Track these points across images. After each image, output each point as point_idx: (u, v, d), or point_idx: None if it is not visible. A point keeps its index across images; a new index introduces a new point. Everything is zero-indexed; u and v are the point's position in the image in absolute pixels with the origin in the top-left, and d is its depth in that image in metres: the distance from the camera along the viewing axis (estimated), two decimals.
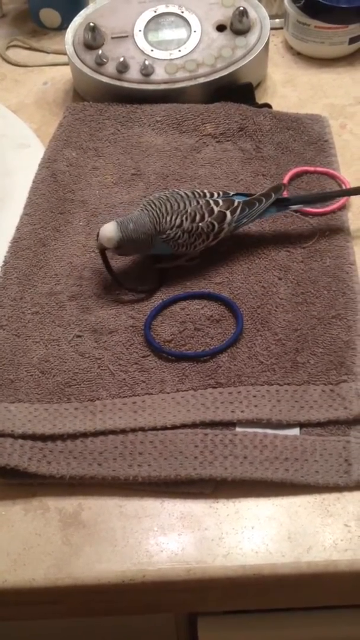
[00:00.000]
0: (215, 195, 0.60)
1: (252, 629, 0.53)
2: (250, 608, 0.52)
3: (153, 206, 0.58)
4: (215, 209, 0.59)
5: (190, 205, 0.58)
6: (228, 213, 0.59)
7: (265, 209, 0.61)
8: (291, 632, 0.53)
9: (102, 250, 0.58)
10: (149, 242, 0.58)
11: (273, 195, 0.62)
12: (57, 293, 0.60)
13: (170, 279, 0.60)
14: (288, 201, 0.63)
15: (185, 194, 0.59)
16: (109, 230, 0.56)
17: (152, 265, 0.61)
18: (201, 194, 0.60)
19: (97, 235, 0.57)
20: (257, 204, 0.61)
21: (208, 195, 0.60)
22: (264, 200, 0.61)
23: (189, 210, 0.58)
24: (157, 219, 0.57)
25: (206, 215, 0.58)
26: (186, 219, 0.58)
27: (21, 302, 0.59)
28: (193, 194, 0.60)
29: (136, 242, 0.57)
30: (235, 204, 0.60)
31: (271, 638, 0.53)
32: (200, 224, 0.58)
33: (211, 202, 0.59)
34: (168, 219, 0.57)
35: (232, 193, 0.62)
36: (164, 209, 0.58)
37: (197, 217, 0.58)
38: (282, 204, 0.63)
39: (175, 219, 0.57)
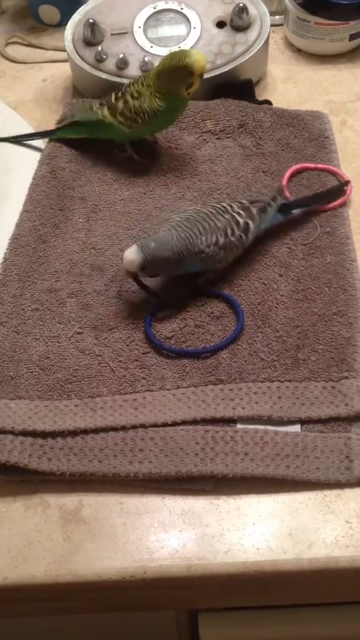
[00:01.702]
0: (235, 206, 0.60)
1: (253, 625, 0.52)
2: (251, 605, 0.52)
3: (183, 228, 0.57)
4: (241, 221, 0.59)
5: (220, 221, 0.58)
6: (250, 222, 0.59)
7: (273, 215, 0.61)
8: (292, 628, 0.53)
9: (133, 275, 0.57)
10: (178, 260, 0.56)
11: (278, 198, 0.62)
12: (57, 290, 0.60)
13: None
14: (290, 206, 0.63)
15: (210, 211, 0.58)
16: (130, 253, 0.55)
17: (191, 282, 0.59)
18: (222, 208, 0.59)
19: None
20: (268, 209, 0.61)
21: (229, 208, 0.59)
22: (272, 204, 0.61)
23: (220, 226, 0.57)
24: (191, 240, 0.56)
25: (235, 228, 0.58)
26: (220, 235, 0.57)
27: (21, 298, 0.59)
28: (217, 210, 0.59)
29: (162, 260, 0.55)
30: (254, 212, 0.60)
31: (272, 635, 0.53)
32: (232, 238, 0.58)
33: (235, 215, 0.59)
34: (203, 239, 0.56)
35: (246, 202, 0.61)
36: (195, 230, 0.57)
37: (229, 232, 0.58)
38: (285, 208, 0.63)
39: (211, 237, 0.57)
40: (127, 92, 0.67)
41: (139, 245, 0.55)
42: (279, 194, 0.63)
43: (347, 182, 0.66)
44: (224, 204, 0.60)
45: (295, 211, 0.63)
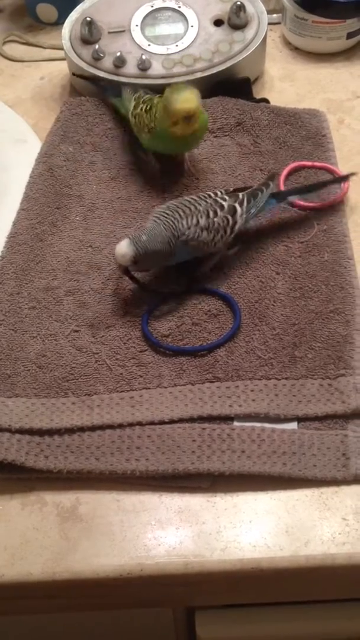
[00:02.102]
0: (219, 193, 0.60)
1: (250, 622, 0.52)
2: (248, 602, 0.52)
3: (166, 215, 0.57)
4: (225, 204, 0.59)
5: (200, 205, 0.58)
6: (237, 205, 0.59)
7: (266, 201, 0.61)
8: (289, 625, 0.53)
9: (124, 270, 0.57)
10: (168, 251, 0.56)
11: (270, 184, 0.62)
12: (54, 288, 0.60)
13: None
14: (285, 193, 0.63)
15: (192, 198, 0.59)
16: (122, 247, 0.55)
17: (185, 274, 0.60)
18: (206, 195, 0.60)
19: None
20: (260, 194, 0.61)
21: (213, 195, 0.60)
22: (264, 189, 0.61)
23: (201, 209, 0.58)
24: (174, 225, 0.56)
25: (218, 210, 0.58)
26: (201, 217, 0.57)
27: (18, 297, 0.59)
28: (199, 197, 0.60)
29: (153, 253, 0.56)
30: (241, 196, 0.60)
31: (269, 632, 0.53)
32: (215, 219, 0.58)
33: (219, 199, 0.59)
34: (184, 222, 0.57)
35: (231, 189, 0.62)
36: (177, 215, 0.57)
37: (211, 214, 0.58)
38: (280, 196, 0.63)
39: (191, 219, 0.57)
40: (147, 101, 0.67)
41: (130, 238, 0.55)
42: (271, 179, 0.63)
43: (348, 176, 0.66)
44: (209, 192, 0.61)
45: (292, 197, 0.64)
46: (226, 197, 0.60)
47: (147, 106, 0.66)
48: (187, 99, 0.61)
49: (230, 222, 0.59)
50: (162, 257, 0.57)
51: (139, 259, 0.55)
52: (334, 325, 0.55)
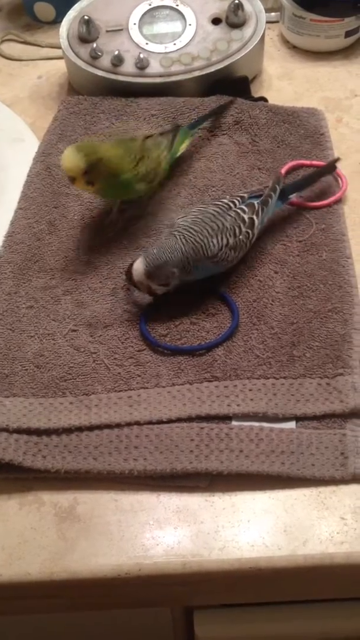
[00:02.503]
0: (237, 202, 0.59)
1: (249, 622, 0.52)
2: (247, 601, 0.52)
3: (192, 232, 0.56)
4: (246, 217, 0.58)
5: (226, 220, 0.57)
6: (254, 218, 0.58)
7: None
8: (288, 625, 0.52)
9: (144, 287, 0.55)
10: (186, 264, 0.55)
11: (277, 187, 0.61)
12: (52, 287, 0.60)
13: None
14: (284, 192, 0.63)
15: (216, 211, 0.58)
16: (135, 263, 0.55)
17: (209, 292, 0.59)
18: (226, 206, 0.58)
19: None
20: (270, 201, 0.60)
21: (232, 205, 0.59)
22: (273, 195, 0.61)
23: (227, 227, 0.57)
24: (203, 244, 0.55)
25: (242, 226, 0.57)
26: (230, 235, 0.56)
27: (16, 296, 0.59)
28: (221, 209, 0.58)
29: (167, 266, 0.54)
30: (257, 206, 0.59)
31: (267, 631, 0.53)
32: (240, 236, 0.57)
33: (239, 212, 0.58)
34: (214, 241, 0.56)
35: (246, 196, 0.60)
36: (205, 232, 0.56)
37: (237, 231, 0.57)
38: (282, 195, 0.63)
39: (221, 239, 0.56)
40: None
41: (142, 254, 0.55)
42: (278, 182, 0.61)
43: (337, 160, 0.66)
44: (226, 201, 0.59)
45: (292, 196, 0.63)
46: (245, 209, 0.58)
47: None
48: (67, 158, 0.56)
49: (251, 236, 0.58)
50: (178, 267, 0.55)
51: (151, 271, 0.54)
52: (333, 324, 0.55)
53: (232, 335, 0.55)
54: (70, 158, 0.56)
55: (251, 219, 0.58)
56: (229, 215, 0.58)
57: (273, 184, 0.61)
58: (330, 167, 0.66)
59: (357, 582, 0.47)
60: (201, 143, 0.71)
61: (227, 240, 0.56)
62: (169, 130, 0.66)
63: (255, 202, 0.59)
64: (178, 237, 0.56)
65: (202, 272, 0.57)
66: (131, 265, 0.55)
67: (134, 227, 0.64)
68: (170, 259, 0.55)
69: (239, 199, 0.60)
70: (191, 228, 0.56)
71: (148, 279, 0.55)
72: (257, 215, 0.59)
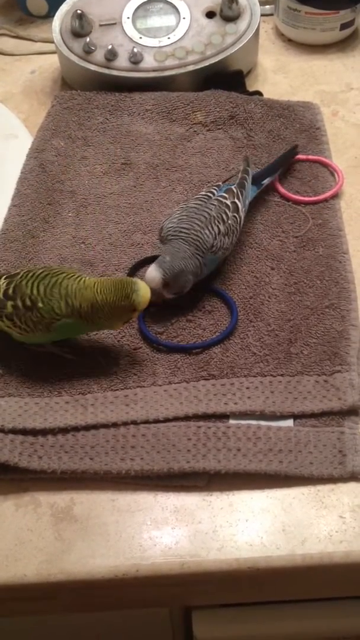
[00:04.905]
0: (215, 191, 0.59)
1: (247, 621, 0.52)
2: (245, 601, 0.52)
3: (186, 230, 0.55)
4: (229, 203, 0.58)
5: (211, 209, 0.57)
6: (237, 202, 0.59)
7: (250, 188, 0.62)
8: (286, 624, 0.52)
9: (159, 296, 0.55)
10: (197, 264, 0.55)
11: (248, 169, 0.62)
12: None
13: None
14: (259, 177, 0.63)
15: (197, 204, 0.58)
16: (150, 272, 0.54)
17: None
18: (205, 197, 0.59)
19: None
20: (246, 183, 0.61)
21: (211, 195, 0.59)
22: (247, 177, 0.61)
23: (214, 215, 0.57)
24: (199, 237, 0.55)
25: (228, 212, 0.57)
26: (219, 223, 0.56)
27: None
28: (202, 200, 0.58)
29: (181, 271, 0.54)
30: (235, 191, 0.59)
31: (266, 630, 0.52)
32: (229, 221, 0.57)
33: (220, 199, 0.58)
34: (207, 232, 0.55)
35: (221, 184, 0.61)
36: (196, 226, 0.56)
37: (224, 217, 0.57)
38: (256, 181, 0.63)
39: (213, 228, 0.56)
40: (18, 293, 0.51)
41: (155, 264, 0.54)
42: (248, 164, 0.62)
43: (296, 146, 0.67)
44: (204, 193, 0.59)
45: (265, 181, 0.63)
46: (226, 195, 0.59)
47: (26, 298, 0.51)
48: (144, 287, 0.51)
49: (238, 220, 0.58)
50: (193, 273, 0.55)
51: (169, 280, 0.54)
52: (330, 321, 0.55)
53: (231, 333, 0.55)
54: (148, 291, 0.51)
55: (234, 203, 0.58)
56: (212, 204, 0.58)
57: (244, 167, 0.62)
58: (293, 152, 0.67)
59: (356, 580, 0.47)
60: (196, 138, 0.70)
61: (218, 227, 0.56)
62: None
63: (232, 186, 0.60)
64: (177, 241, 0.55)
65: (207, 268, 0.57)
66: (133, 270, 0.54)
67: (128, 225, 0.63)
68: (186, 267, 0.54)
69: (215, 188, 0.60)
70: (182, 227, 0.56)
71: (164, 288, 0.54)
72: (239, 198, 0.59)
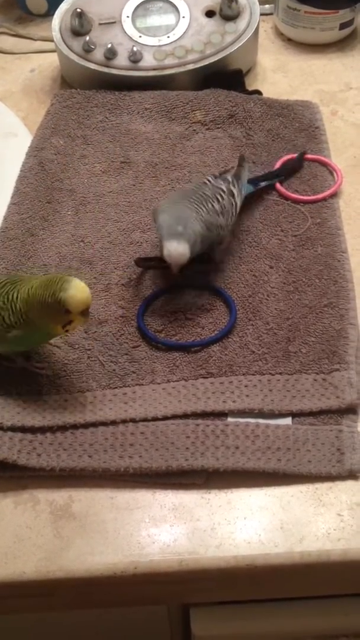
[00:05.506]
0: (211, 179, 0.60)
1: (245, 619, 0.52)
2: (243, 598, 0.52)
3: (182, 204, 0.56)
4: (224, 187, 0.59)
5: (206, 191, 0.58)
6: (232, 188, 0.59)
7: (246, 183, 0.62)
8: (284, 622, 0.52)
9: (180, 269, 0.55)
10: (200, 230, 0.55)
11: (245, 165, 0.63)
12: None
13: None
14: (256, 180, 0.64)
15: (192, 188, 0.59)
16: (175, 248, 0.53)
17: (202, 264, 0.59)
18: (201, 182, 0.60)
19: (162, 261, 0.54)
20: (242, 175, 0.61)
21: (207, 182, 0.60)
22: (243, 170, 0.62)
23: (209, 195, 0.57)
24: (196, 207, 0.56)
25: (223, 194, 0.58)
26: (213, 201, 0.57)
27: None
28: (195, 185, 0.59)
29: (199, 236, 0.54)
30: (230, 179, 0.60)
31: (264, 628, 0.53)
32: (224, 202, 0.58)
33: (215, 184, 0.59)
34: (203, 208, 0.56)
35: (217, 174, 0.62)
36: (192, 200, 0.56)
37: (219, 197, 0.58)
38: (253, 182, 0.64)
39: (207, 205, 0.56)
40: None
41: (170, 239, 0.53)
42: (241, 160, 0.63)
43: (304, 153, 0.67)
44: (201, 180, 0.60)
45: (262, 183, 0.64)
46: (221, 181, 0.59)
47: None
48: (77, 285, 0.47)
49: (234, 203, 0.59)
50: (203, 240, 0.55)
51: (193, 250, 0.54)
52: (328, 320, 0.55)
53: (230, 331, 0.55)
54: (83, 290, 0.47)
55: (229, 189, 0.59)
56: (207, 186, 0.59)
57: (240, 162, 0.63)
58: (299, 163, 0.67)
59: (353, 578, 0.47)
60: (195, 137, 0.70)
61: (213, 205, 0.57)
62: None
63: (228, 176, 0.61)
64: (171, 209, 0.56)
65: (202, 244, 0.56)
66: (168, 249, 0.53)
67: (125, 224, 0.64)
68: (197, 227, 0.54)
69: (211, 176, 0.61)
70: (176, 202, 0.56)
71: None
72: (234, 186, 0.60)
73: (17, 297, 0.48)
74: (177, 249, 0.53)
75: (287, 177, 0.66)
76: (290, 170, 0.66)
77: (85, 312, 0.47)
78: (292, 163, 0.66)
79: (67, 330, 0.48)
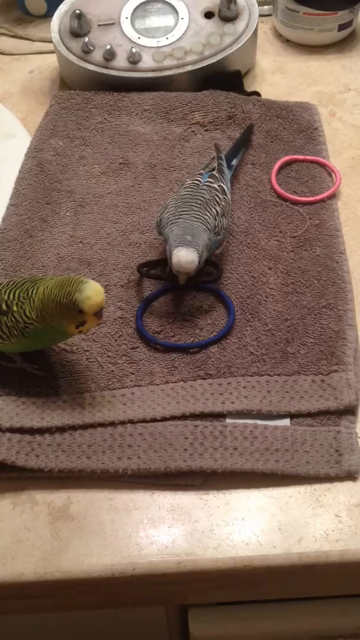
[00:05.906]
0: (200, 179, 0.61)
1: (243, 620, 0.52)
2: (241, 599, 0.52)
3: (187, 214, 0.56)
4: (217, 187, 0.59)
5: (203, 194, 0.58)
6: (222, 185, 0.60)
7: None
8: (282, 623, 0.52)
9: (189, 276, 0.55)
10: (207, 241, 0.55)
11: (222, 156, 0.64)
12: None
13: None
14: (228, 159, 0.65)
15: (187, 192, 0.59)
16: (184, 256, 0.53)
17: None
18: (194, 185, 0.60)
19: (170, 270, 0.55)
20: (223, 168, 0.62)
21: (198, 182, 0.60)
22: (222, 162, 0.63)
23: (209, 198, 0.58)
24: (201, 217, 0.56)
25: (219, 194, 0.59)
26: (215, 205, 0.58)
27: None
28: (190, 188, 0.59)
29: (204, 247, 0.55)
30: (218, 175, 0.61)
31: (262, 629, 0.53)
32: (223, 203, 0.58)
33: (208, 184, 0.60)
34: (207, 214, 0.56)
35: (203, 172, 0.62)
36: (195, 207, 0.56)
37: (218, 199, 0.58)
38: (228, 163, 0.65)
39: (211, 209, 0.57)
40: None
41: (179, 247, 0.54)
42: (218, 151, 0.64)
43: (252, 125, 0.70)
44: (190, 182, 0.61)
45: (233, 162, 0.66)
46: (211, 180, 0.60)
47: (2, 304, 0.50)
48: (93, 287, 0.47)
49: (228, 201, 0.60)
50: (207, 249, 0.56)
51: (200, 259, 0.54)
52: (326, 321, 0.55)
53: (229, 333, 0.55)
54: (99, 292, 0.48)
55: (221, 187, 0.60)
56: (203, 189, 0.59)
57: (216, 154, 0.64)
58: (250, 131, 0.69)
59: (352, 579, 0.47)
60: (194, 138, 0.70)
61: (215, 209, 0.57)
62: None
63: (213, 172, 0.61)
64: (178, 221, 0.56)
65: (210, 249, 0.57)
66: (177, 257, 0.54)
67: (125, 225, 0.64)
68: (203, 236, 0.55)
69: (199, 176, 0.61)
70: (182, 211, 0.56)
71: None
72: (222, 182, 0.60)
73: (34, 294, 0.49)
74: (186, 257, 0.54)
75: (246, 145, 0.68)
76: (244, 139, 0.68)
77: (98, 314, 0.48)
78: (246, 131, 0.69)
79: (80, 331, 0.49)
